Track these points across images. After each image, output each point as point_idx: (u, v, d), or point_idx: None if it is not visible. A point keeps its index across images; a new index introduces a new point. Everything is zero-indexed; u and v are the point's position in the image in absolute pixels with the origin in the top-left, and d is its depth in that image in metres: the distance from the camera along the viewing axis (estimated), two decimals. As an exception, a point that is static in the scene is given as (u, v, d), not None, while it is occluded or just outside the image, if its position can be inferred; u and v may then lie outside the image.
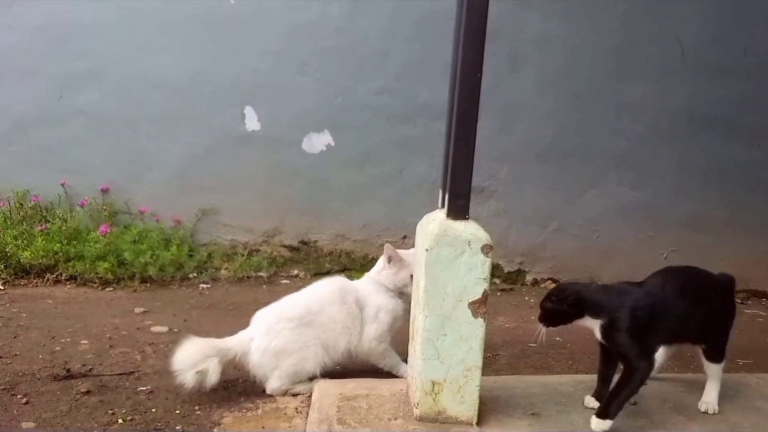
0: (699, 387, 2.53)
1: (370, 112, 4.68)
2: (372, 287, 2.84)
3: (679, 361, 3.13)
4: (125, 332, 3.37)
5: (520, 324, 3.87)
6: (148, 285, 4.26)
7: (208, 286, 4.38)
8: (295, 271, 4.72)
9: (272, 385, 2.66)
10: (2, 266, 4.18)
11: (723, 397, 2.52)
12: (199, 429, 2.39)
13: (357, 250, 4.79)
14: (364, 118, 4.68)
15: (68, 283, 4.19)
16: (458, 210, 2.25)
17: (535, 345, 3.34)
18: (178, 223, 4.68)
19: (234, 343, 2.70)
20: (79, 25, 4.56)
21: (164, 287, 4.28)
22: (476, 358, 2.24)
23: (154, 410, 2.52)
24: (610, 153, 4.72)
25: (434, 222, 2.28)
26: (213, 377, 2.57)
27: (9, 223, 4.44)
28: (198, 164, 4.71)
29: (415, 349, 2.36)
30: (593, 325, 2.30)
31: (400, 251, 2.84)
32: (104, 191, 4.68)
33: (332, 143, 4.72)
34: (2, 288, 4.05)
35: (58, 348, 3.11)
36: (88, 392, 2.63)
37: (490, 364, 3.05)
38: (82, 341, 3.21)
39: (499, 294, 4.53)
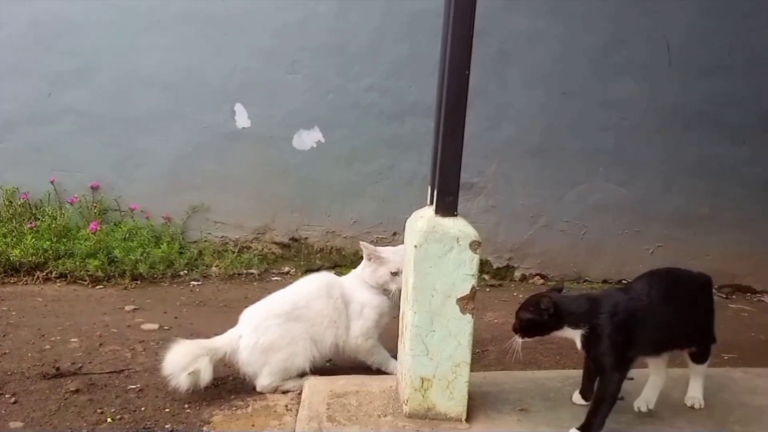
0: (684, 382, 2.55)
1: (360, 110, 4.68)
2: (357, 284, 2.86)
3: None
4: (115, 330, 3.37)
5: (509, 319, 3.83)
6: (138, 282, 4.25)
7: (199, 283, 4.37)
8: (286, 268, 4.73)
9: (262, 382, 2.67)
10: (-9, 264, 4.16)
11: (708, 391, 2.55)
12: (189, 427, 2.39)
13: (347, 246, 4.80)
14: (354, 115, 4.69)
15: (58, 280, 4.18)
16: (447, 207, 2.28)
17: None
18: (168, 220, 4.67)
19: (223, 341, 2.70)
20: (69, 22, 4.54)
21: (155, 285, 4.27)
22: (465, 354, 2.26)
23: (143, 409, 2.52)
24: (597, 150, 4.75)
25: (423, 219, 2.30)
26: (206, 376, 2.57)
27: (-2, 221, 4.42)
28: (188, 161, 4.70)
29: (404, 345, 2.38)
30: (573, 336, 2.23)
31: (381, 248, 2.86)
32: (94, 189, 4.66)
33: (322, 140, 4.72)
34: (-9, 286, 4.04)
35: (47, 346, 3.10)
36: (77, 391, 2.63)
37: (478, 360, 3.07)
38: (72, 339, 3.20)
39: (488, 290, 4.56)
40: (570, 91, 4.67)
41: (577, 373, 2.54)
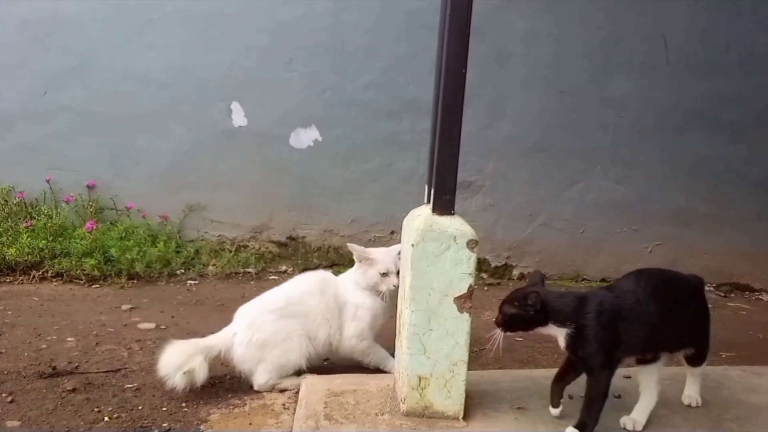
0: (681, 380, 2.55)
1: (357, 108, 4.67)
2: (351, 285, 2.85)
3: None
4: (112, 329, 3.36)
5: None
6: (135, 282, 4.24)
7: (196, 282, 4.37)
8: (284, 267, 4.72)
9: (259, 380, 2.66)
10: (-13, 263, 4.15)
11: (706, 389, 2.55)
12: (186, 426, 2.39)
13: (345, 245, 4.73)
14: (351, 113, 4.68)
15: (54, 280, 4.17)
16: (444, 205, 2.27)
17: (521, 339, 3.35)
18: (165, 219, 4.66)
19: (217, 339, 2.70)
20: (64, 20, 4.52)
21: (151, 284, 4.26)
22: (462, 353, 2.25)
23: (140, 408, 2.52)
24: (595, 148, 4.75)
25: (420, 217, 2.29)
26: (201, 374, 2.57)
27: (-7, 220, 4.40)
28: (185, 160, 4.69)
29: (401, 344, 2.37)
30: (557, 334, 2.18)
31: (370, 249, 2.85)
32: (90, 187, 4.65)
33: (320, 139, 4.72)
34: (-13, 285, 4.03)
35: (44, 346, 3.09)
36: (74, 390, 2.62)
37: (476, 359, 3.06)
38: (69, 339, 3.19)
39: (486, 288, 4.56)
40: (568, 89, 4.67)
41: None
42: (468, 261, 2.20)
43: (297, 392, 2.60)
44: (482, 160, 4.71)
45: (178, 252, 4.54)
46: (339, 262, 4.73)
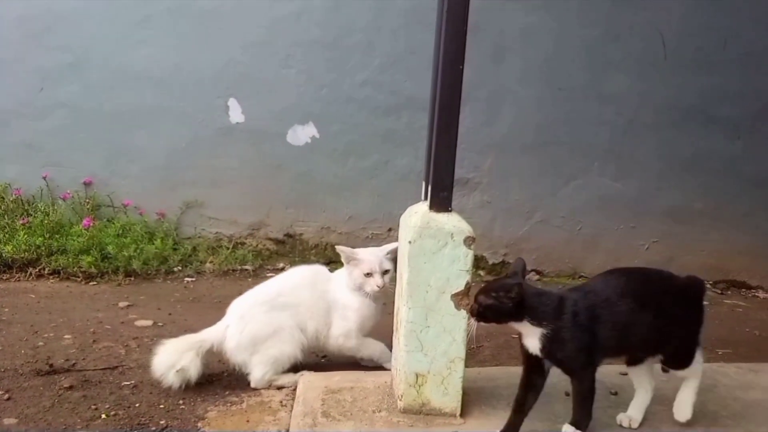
0: (678, 377, 2.55)
1: (354, 105, 4.67)
2: (342, 284, 2.82)
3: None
4: (109, 326, 3.36)
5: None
6: (132, 279, 4.23)
7: (193, 279, 4.36)
8: (281, 264, 4.71)
9: (255, 375, 2.67)
10: (-17, 261, 4.14)
11: (702, 387, 2.55)
12: (184, 423, 2.39)
13: (343, 242, 4.77)
14: (348, 110, 4.68)
15: (51, 277, 4.16)
16: (441, 202, 2.27)
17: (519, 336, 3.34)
18: (162, 216, 4.66)
19: (209, 333, 2.71)
20: (60, 16, 4.50)
21: (148, 281, 4.26)
22: (459, 350, 2.26)
23: (137, 405, 2.52)
24: (592, 145, 4.75)
25: (417, 214, 2.29)
26: (194, 370, 2.59)
27: (-10, 217, 4.39)
28: (182, 157, 4.68)
29: (398, 341, 2.37)
30: (529, 333, 2.08)
31: (357, 249, 2.82)
32: (87, 184, 4.64)
33: (317, 135, 4.71)
34: (-17, 283, 4.02)
35: (40, 343, 3.09)
36: (71, 387, 2.62)
37: (473, 356, 3.08)
38: (66, 336, 3.19)
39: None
40: (565, 86, 4.67)
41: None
42: (465, 258, 2.20)
43: (294, 389, 2.60)
44: (479, 157, 4.71)
45: (175, 249, 4.53)
46: (336, 259, 4.64)
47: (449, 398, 2.28)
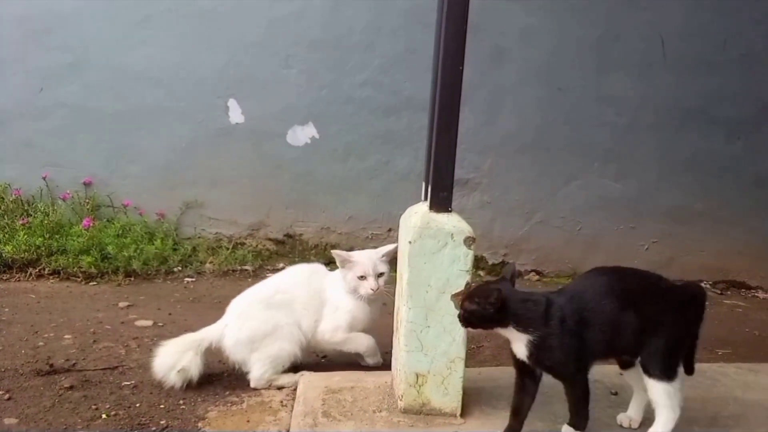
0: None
1: (354, 105, 4.67)
2: (337, 283, 2.81)
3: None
4: (109, 327, 3.36)
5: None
6: (132, 279, 4.23)
7: (193, 279, 4.36)
8: (281, 265, 4.70)
9: (254, 373, 2.67)
10: (-17, 261, 4.14)
11: (702, 387, 2.56)
12: (184, 423, 2.39)
13: (342, 243, 4.79)
14: (348, 110, 4.68)
15: (51, 277, 4.16)
16: (441, 202, 2.27)
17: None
18: (162, 216, 4.66)
19: (207, 332, 2.72)
20: (60, 16, 4.50)
21: (148, 281, 4.26)
22: (460, 350, 2.26)
23: (138, 405, 2.52)
24: (592, 145, 4.75)
25: (417, 215, 2.29)
26: (195, 369, 2.60)
27: (-10, 217, 4.39)
28: (182, 157, 4.68)
29: (398, 341, 2.38)
30: (516, 339, 2.04)
31: (353, 252, 2.82)
32: (87, 185, 4.64)
33: (317, 136, 4.71)
34: (-16, 283, 4.02)
35: (41, 343, 3.09)
36: (71, 387, 2.62)
37: (473, 356, 3.08)
38: (66, 336, 3.19)
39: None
40: (565, 86, 4.67)
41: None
42: (465, 258, 2.20)
43: (295, 389, 2.60)
44: (479, 157, 4.71)
45: (175, 249, 4.53)
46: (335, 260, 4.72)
47: (449, 398, 2.28)
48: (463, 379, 2.28)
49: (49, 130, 4.60)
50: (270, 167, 4.73)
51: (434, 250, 2.20)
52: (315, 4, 4.56)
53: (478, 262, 4.74)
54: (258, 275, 4.49)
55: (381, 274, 2.71)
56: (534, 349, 2.02)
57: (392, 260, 2.77)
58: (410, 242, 2.21)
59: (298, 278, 2.83)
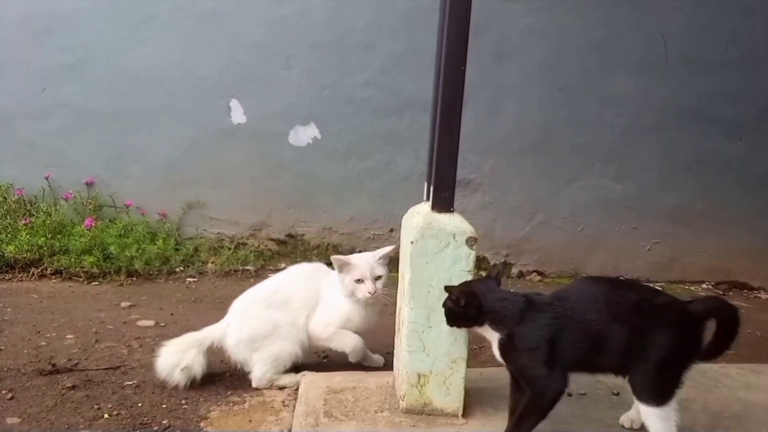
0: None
1: (356, 105, 4.67)
2: (337, 284, 2.77)
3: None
4: (111, 326, 3.36)
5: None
6: (134, 279, 4.24)
7: (195, 279, 4.37)
8: (283, 265, 4.69)
9: (256, 373, 2.67)
10: (-14, 261, 4.14)
11: (704, 387, 2.56)
12: (186, 423, 2.39)
13: (344, 243, 4.80)
14: (350, 111, 4.68)
15: (53, 277, 4.17)
16: (443, 203, 2.27)
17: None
18: (164, 216, 4.66)
19: (210, 331, 2.73)
20: (62, 17, 4.51)
21: (150, 281, 4.27)
22: (461, 350, 2.26)
23: (140, 405, 2.52)
24: (594, 146, 4.75)
25: (419, 215, 2.30)
26: (198, 367, 2.62)
27: (-8, 217, 4.40)
28: (183, 157, 4.69)
29: (400, 341, 2.38)
30: (492, 338, 2.04)
31: (352, 256, 2.80)
32: (89, 185, 4.65)
33: (318, 136, 4.71)
34: (-14, 283, 4.03)
35: (43, 343, 3.10)
36: (73, 387, 2.63)
37: (475, 356, 3.07)
38: (68, 336, 3.20)
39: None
40: (566, 86, 4.67)
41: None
42: (467, 258, 2.21)
43: (296, 389, 2.60)
44: (481, 157, 4.71)
45: (177, 249, 4.54)
46: (338, 259, 4.72)
47: (451, 398, 2.29)
48: (465, 380, 2.28)
49: (51, 131, 4.60)
50: (272, 167, 4.73)
51: (436, 250, 2.20)
52: (316, 4, 4.56)
53: (480, 263, 4.74)
54: (260, 275, 4.49)
55: (378, 277, 2.68)
56: (502, 348, 2.01)
57: (390, 262, 2.77)
58: (412, 242, 2.21)
59: (298, 277, 2.84)
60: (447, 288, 2.10)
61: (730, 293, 4.80)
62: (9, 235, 4.24)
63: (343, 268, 2.71)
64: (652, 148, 4.76)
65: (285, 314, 2.71)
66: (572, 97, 4.68)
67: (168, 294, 4.03)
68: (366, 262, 2.69)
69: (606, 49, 4.64)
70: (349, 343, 2.74)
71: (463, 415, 2.30)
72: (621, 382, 2.45)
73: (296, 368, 2.73)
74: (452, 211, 2.28)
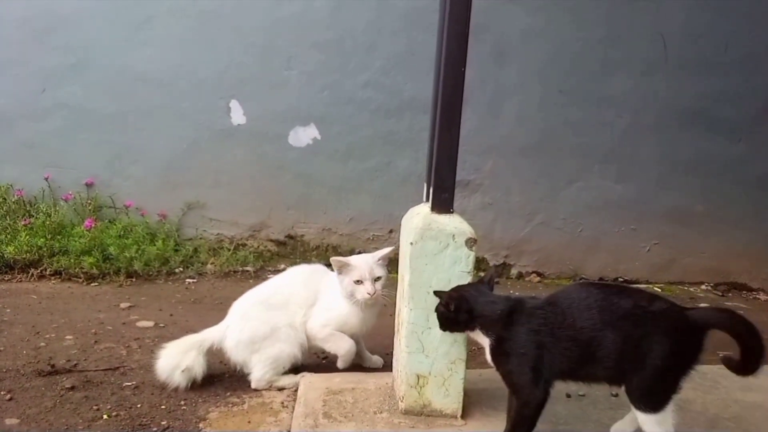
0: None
1: (356, 106, 4.68)
2: (336, 285, 2.76)
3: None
4: (110, 327, 3.36)
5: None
6: (133, 280, 4.24)
7: (194, 280, 4.37)
8: (282, 266, 4.70)
9: (255, 374, 2.67)
10: (-15, 261, 4.14)
11: (702, 388, 2.56)
12: (185, 424, 2.39)
13: (344, 244, 4.80)
14: (350, 112, 4.68)
15: (53, 278, 4.17)
16: (442, 204, 2.27)
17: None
18: (163, 217, 4.66)
19: (210, 333, 2.73)
20: (62, 17, 4.52)
21: (150, 282, 4.27)
22: (461, 351, 2.26)
23: (139, 406, 2.52)
24: (593, 147, 4.75)
25: (419, 216, 2.30)
26: (198, 368, 2.63)
27: (-8, 218, 4.40)
28: (183, 158, 4.69)
29: (400, 342, 2.38)
30: (484, 343, 2.03)
31: (351, 257, 2.79)
32: (88, 185, 4.65)
33: (318, 137, 4.71)
34: (-15, 283, 4.03)
35: (42, 343, 3.09)
36: (72, 388, 2.63)
37: (474, 357, 3.05)
38: (67, 336, 3.20)
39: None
40: (566, 88, 4.67)
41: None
42: (467, 259, 2.20)
43: (296, 391, 2.60)
44: (481, 158, 4.71)
45: (176, 250, 4.54)
46: (337, 260, 4.72)
47: (450, 399, 2.29)
48: (464, 381, 2.28)
49: (51, 131, 4.61)
50: (271, 168, 4.73)
51: (436, 251, 2.20)
52: (316, 5, 4.56)
53: (479, 264, 4.73)
54: (259, 276, 4.49)
55: (378, 278, 2.67)
56: (493, 353, 2.01)
57: (390, 263, 2.77)
58: (412, 243, 2.21)
59: (297, 279, 2.84)
60: (436, 293, 2.11)
61: (729, 294, 4.80)
62: (8, 236, 4.24)
63: (342, 269, 2.70)
64: (652, 149, 4.76)
65: (284, 316, 2.71)
66: (572, 98, 4.68)
67: (167, 295, 4.03)
68: (365, 263, 2.68)
69: (606, 51, 4.64)
70: (342, 346, 2.75)
71: (462, 416, 2.30)
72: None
73: (295, 369, 2.73)
74: (452, 212, 2.28)
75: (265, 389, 2.67)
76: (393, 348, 2.60)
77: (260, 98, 4.65)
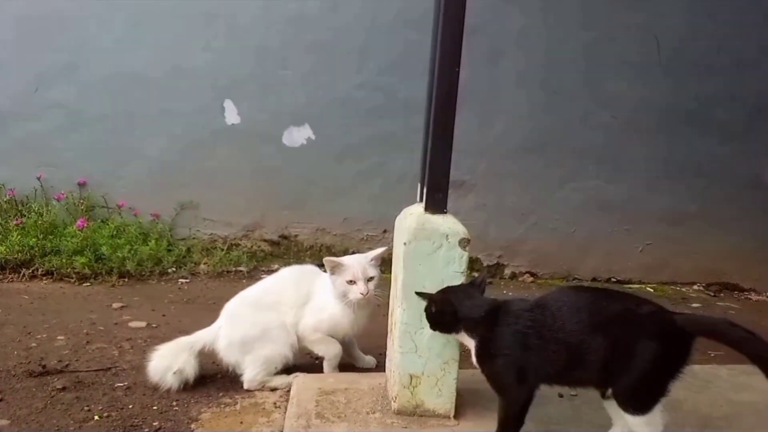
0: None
1: (350, 107, 4.67)
2: (328, 286, 2.75)
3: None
4: (102, 328, 3.35)
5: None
6: (126, 280, 4.22)
7: (187, 280, 4.35)
8: (276, 266, 4.68)
9: (248, 375, 2.67)
10: (-24, 261, 4.12)
11: (694, 388, 2.56)
12: (177, 425, 2.38)
13: (337, 244, 4.79)
14: (344, 112, 4.68)
15: (44, 278, 4.15)
16: (436, 204, 2.27)
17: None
18: (156, 217, 4.64)
19: (201, 334, 2.73)
20: (56, 17, 4.49)
21: (142, 282, 4.25)
22: (454, 351, 2.26)
23: (131, 406, 2.51)
24: (587, 148, 4.76)
25: (412, 216, 2.30)
26: (190, 370, 2.62)
27: (-17, 217, 4.37)
28: (177, 158, 4.67)
29: (393, 342, 2.38)
30: (470, 345, 2.04)
31: (344, 257, 2.79)
32: (81, 185, 4.62)
33: (313, 137, 4.71)
34: (-24, 283, 4.00)
35: (33, 344, 3.08)
36: (64, 389, 2.61)
37: (467, 357, 3.05)
38: (59, 337, 3.18)
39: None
40: (560, 88, 4.68)
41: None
42: (460, 260, 2.20)
43: (288, 391, 2.60)
44: (475, 159, 4.71)
45: (169, 250, 4.52)
46: (331, 260, 4.71)
47: (443, 400, 2.29)
48: (457, 381, 2.28)
49: (44, 131, 4.58)
50: (266, 168, 4.72)
51: (429, 251, 2.20)
52: (311, 6, 4.56)
53: (473, 264, 4.74)
54: (253, 276, 4.48)
55: (371, 278, 2.66)
56: (476, 355, 2.01)
57: (383, 263, 2.77)
58: (405, 243, 2.21)
59: (288, 280, 2.84)
60: (419, 294, 2.12)
61: (721, 294, 4.83)
62: (0, 236, 4.21)
63: (335, 269, 2.69)
64: (646, 150, 4.78)
65: (276, 317, 2.71)
66: (566, 99, 4.69)
67: (160, 295, 4.02)
68: (358, 263, 2.68)
69: (600, 52, 4.65)
70: (331, 350, 2.75)
71: (455, 416, 2.30)
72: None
73: (288, 370, 2.72)
74: (445, 213, 2.28)
75: (258, 390, 2.66)
76: (386, 348, 2.60)
77: (254, 98, 4.64)
